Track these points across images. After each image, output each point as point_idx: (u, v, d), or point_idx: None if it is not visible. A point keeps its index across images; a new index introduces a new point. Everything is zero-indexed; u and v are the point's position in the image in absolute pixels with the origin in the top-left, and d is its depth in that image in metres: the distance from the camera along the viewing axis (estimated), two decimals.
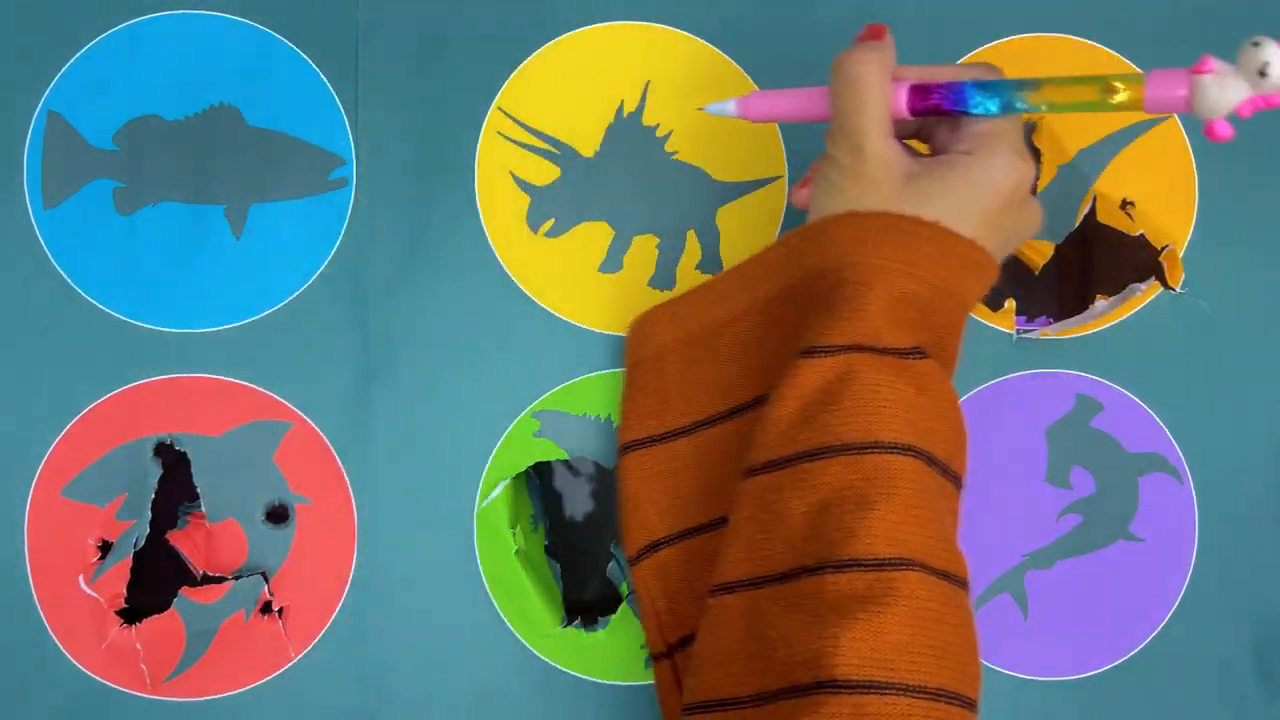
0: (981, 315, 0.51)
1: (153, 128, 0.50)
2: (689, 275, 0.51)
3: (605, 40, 0.51)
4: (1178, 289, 0.50)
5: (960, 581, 0.38)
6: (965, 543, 0.39)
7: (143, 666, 0.49)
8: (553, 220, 0.51)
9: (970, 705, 0.36)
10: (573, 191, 0.51)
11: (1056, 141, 0.52)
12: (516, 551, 0.49)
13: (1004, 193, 0.40)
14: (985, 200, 0.40)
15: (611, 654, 0.49)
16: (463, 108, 0.51)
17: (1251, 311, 0.51)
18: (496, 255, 0.51)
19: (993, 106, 0.40)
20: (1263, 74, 0.34)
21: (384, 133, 0.51)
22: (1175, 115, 0.52)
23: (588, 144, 0.51)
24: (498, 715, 0.49)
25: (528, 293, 0.51)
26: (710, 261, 0.51)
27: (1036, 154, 0.51)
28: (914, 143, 0.45)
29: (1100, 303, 0.49)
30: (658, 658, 0.46)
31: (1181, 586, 0.50)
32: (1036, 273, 0.51)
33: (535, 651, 0.50)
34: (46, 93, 0.50)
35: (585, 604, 0.52)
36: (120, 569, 0.49)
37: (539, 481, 0.53)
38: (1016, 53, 0.52)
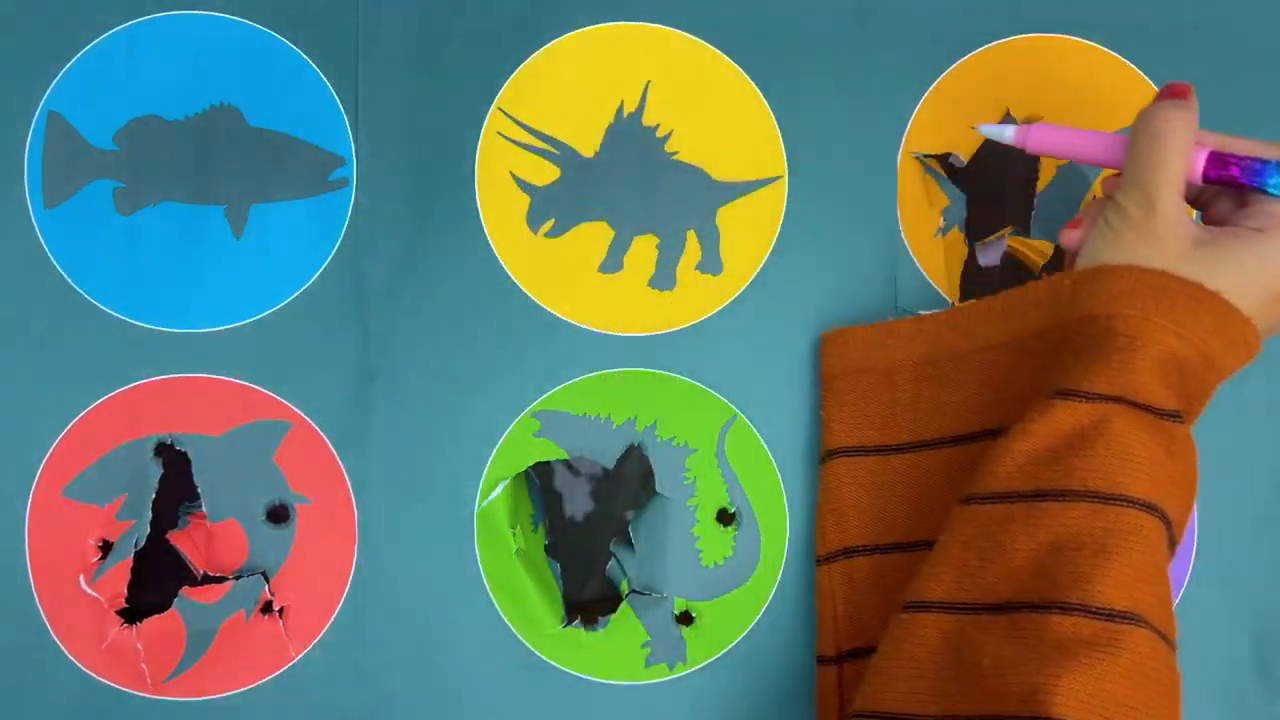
0: None
1: (153, 128, 0.50)
2: (689, 275, 0.51)
3: (605, 40, 0.52)
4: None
5: (1173, 647, 0.38)
6: None
7: (143, 666, 0.49)
8: (553, 220, 0.51)
9: None
10: (573, 191, 0.51)
11: None
12: (516, 551, 0.49)
13: None
14: (1270, 280, 0.40)
15: (611, 654, 0.50)
16: (463, 108, 0.51)
17: None
18: (496, 255, 0.51)
19: None
20: None
21: (384, 133, 0.51)
22: None
23: (588, 144, 0.51)
24: (498, 715, 0.49)
25: (528, 293, 0.51)
26: (710, 261, 0.51)
27: (1036, 159, 0.52)
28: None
29: None
30: (825, 661, 0.47)
31: (1181, 586, 0.50)
32: (1036, 273, 0.51)
33: (535, 651, 0.50)
34: (47, 93, 0.50)
35: (585, 604, 0.52)
36: (121, 569, 0.49)
37: (539, 481, 0.53)
38: (1017, 53, 0.52)
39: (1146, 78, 0.52)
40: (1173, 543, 0.40)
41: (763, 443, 0.50)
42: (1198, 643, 0.50)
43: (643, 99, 0.51)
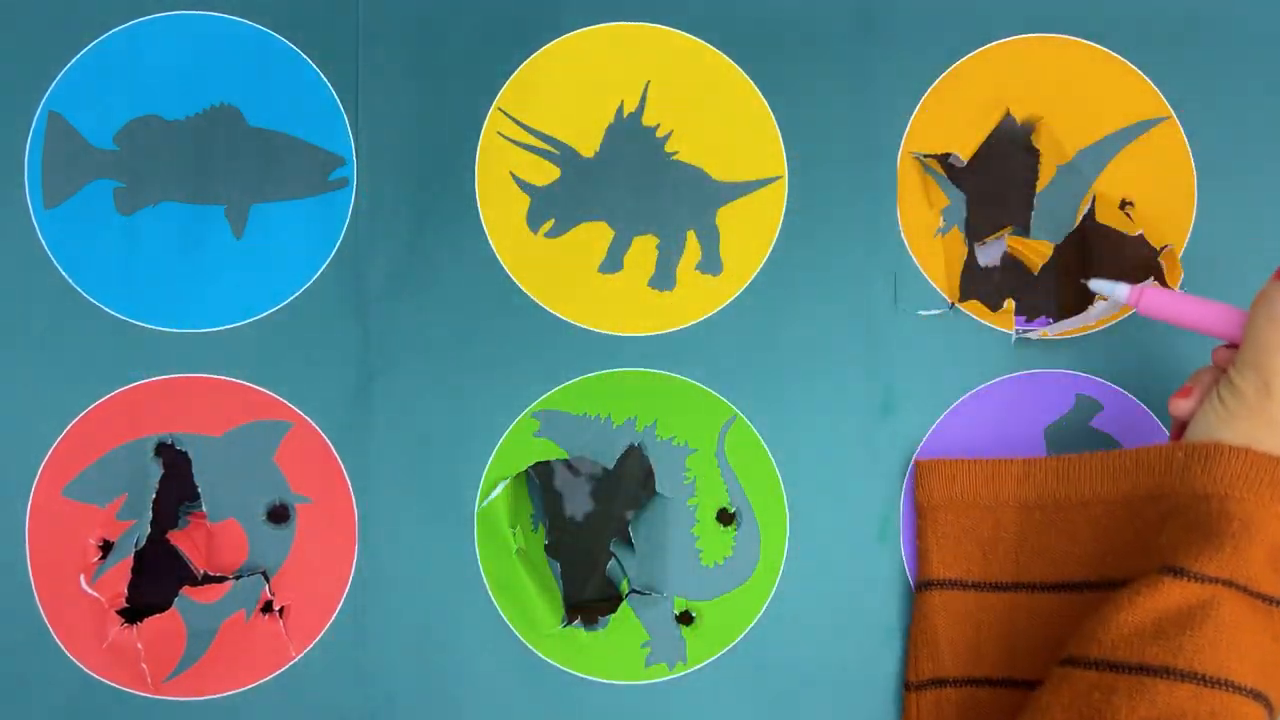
0: (981, 315, 0.51)
1: (153, 128, 0.50)
2: (689, 275, 0.51)
3: (605, 40, 0.51)
4: (1177, 289, 0.50)
5: None
6: None
7: (143, 666, 0.49)
8: (553, 220, 0.51)
9: None
10: (573, 191, 0.51)
11: (1056, 141, 0.52)
12: (516, 551, 0.49)
13: None
14: None
15: (611, 654, 0.50)
16: (463, 108, 0.51)
17: None
18: (496, 255, 0.51)
19: None
20: None
21: (384, 133, 0.51)
22: (1174, 115, 0.52)
23: (588, 144, 0.51)
24: (498, 715, 0.49)
25: (528, 293, 0.51)
26: (710, 261, 0.51)
27: (1036, 153, 0.52)
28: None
29: (1100, 303, 0.49)
30: None
31: None
32: (1036, 273, 0.51)
33: (535, 651, 0.50)
34: (47, 93, 0.50)
35: (585, 604, 0.52)
36: (121, 569, 0.49)
37: (539, 481, 0.53)
38: (1017, 53, 0.52)
39: (1147, 78, 0.52)
40: None
41: (763, 443, 0.50)
42: None
43: (642, 99, 0.51)
